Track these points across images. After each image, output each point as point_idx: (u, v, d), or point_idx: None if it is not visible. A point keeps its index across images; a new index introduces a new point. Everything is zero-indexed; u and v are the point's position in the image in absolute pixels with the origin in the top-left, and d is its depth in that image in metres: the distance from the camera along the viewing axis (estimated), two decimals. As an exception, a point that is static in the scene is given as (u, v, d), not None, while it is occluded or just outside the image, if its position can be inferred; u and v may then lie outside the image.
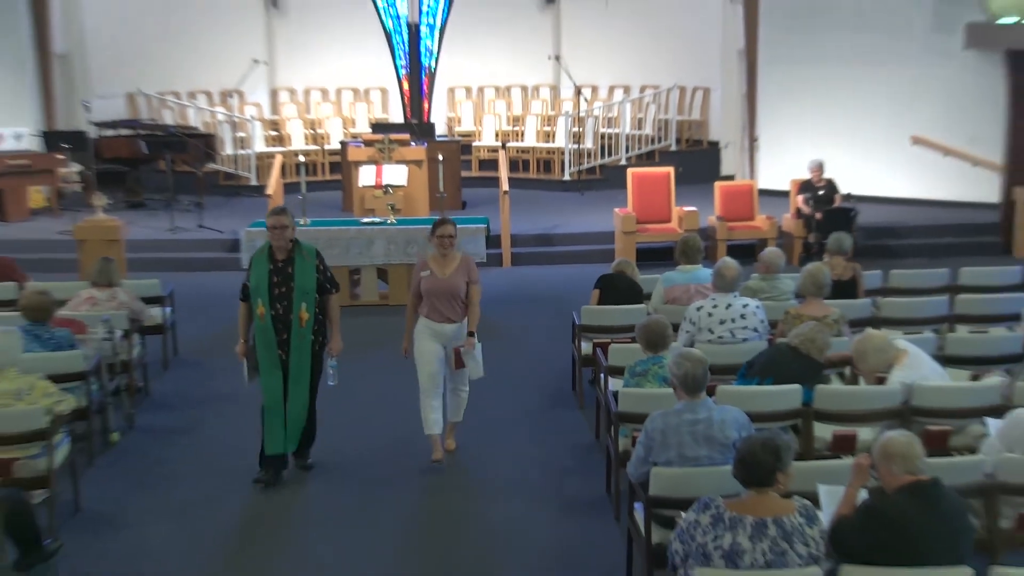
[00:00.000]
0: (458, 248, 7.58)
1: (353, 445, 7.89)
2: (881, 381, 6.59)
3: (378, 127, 16.49)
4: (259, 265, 7.09)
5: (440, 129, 18.12)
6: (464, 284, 7.40)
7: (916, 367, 6.58)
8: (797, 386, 6.42)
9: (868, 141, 15.56)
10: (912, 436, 4.59)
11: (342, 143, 16.50)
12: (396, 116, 18.82)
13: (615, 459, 6.71)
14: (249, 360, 7.20)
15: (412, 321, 7.54)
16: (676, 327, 7.43)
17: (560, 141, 17.66)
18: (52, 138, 15.67)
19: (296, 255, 7.06)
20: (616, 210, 13.96)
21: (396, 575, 6.06)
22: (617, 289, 8.90)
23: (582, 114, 17.69)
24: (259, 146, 17.67)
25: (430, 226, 7.61)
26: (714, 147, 18.27)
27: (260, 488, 7.10)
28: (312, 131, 18.84)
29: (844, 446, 6.17)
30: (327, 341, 7.27)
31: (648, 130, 17.94)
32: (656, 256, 12.98)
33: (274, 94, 19.66)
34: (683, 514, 4.62)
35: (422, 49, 17.53)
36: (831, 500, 4.78)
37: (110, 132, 16.22)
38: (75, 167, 16.09)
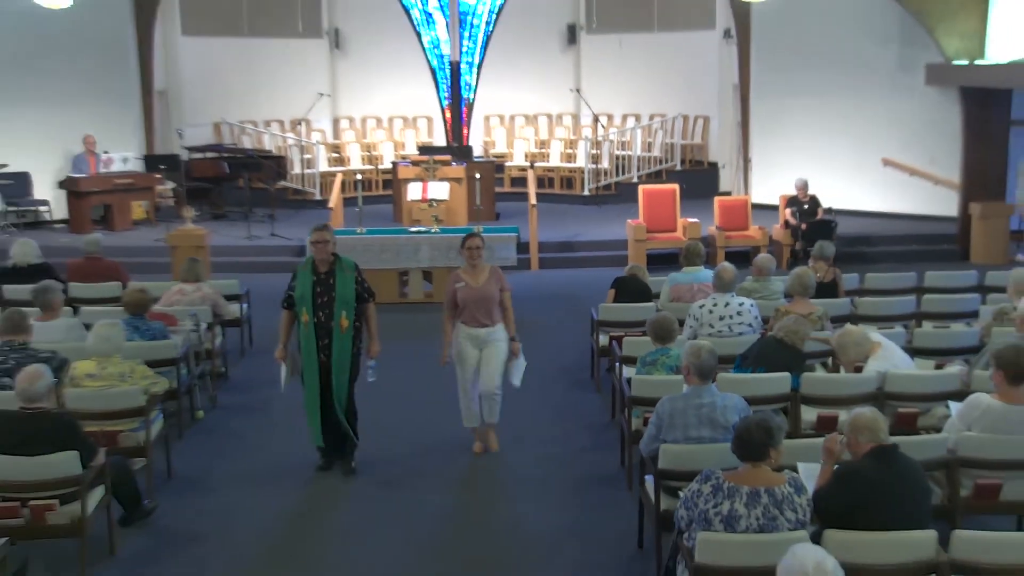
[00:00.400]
0: (486, 259, 7.25)
1: (398, 431, 7.87)
2: (859, 370, 6.52)
3: (424, 150, 16.48)
4: (303, 277, 6.73)
5: (477, 151, 18.07)
6: (497, 291, 7.04)
7: (888, 358, 6.53)
8: (786, 374, 6.37)
9: (845, 162, 15.45)
10: (876, 411, 4.60)
11: (393, 163, 16.50)
12: (439, 140, 18.83)
13: (628, 437, 6.67)
14: (288, 364, 6.85)
15: (449, 331, 7.10)
16: (681, 322, 7.39)
17: (580, 162, 17.59)
18: (151, 161, 15.77)
19: (337, 268, 6.73)
20: (629, 221, 13.90)
21: (431, 529, 6.05)
22: (629, 290, 8.87)
23: (599, 138, 17.62)
24: (322, 166, 17.70)
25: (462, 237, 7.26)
26: (713, 167, 18.15)
27: (319, 470, 6.96)
28: (368, 153, 18.86)
29: (827, 426, 6.11)
30: (364, 345, 6.94)
31: (656, 152, 17.83)
32: (663, 260, 12.93)
33: (336, 122, 19.70)
34: (688, 485, 4.59)
35: (462, 83, 17.54)
36: (809, 475, 4.76)
37: (198, 155, 16.31)
38: (169, 185, 16.21)
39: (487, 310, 7.02)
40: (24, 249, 9.55)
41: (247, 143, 17.72)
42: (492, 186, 15.79)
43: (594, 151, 17.40)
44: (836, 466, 4.62)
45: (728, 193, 16.73)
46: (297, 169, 17.45)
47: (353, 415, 6.93)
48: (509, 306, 7.15)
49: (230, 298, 9.62)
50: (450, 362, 7.06)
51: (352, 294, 6.73)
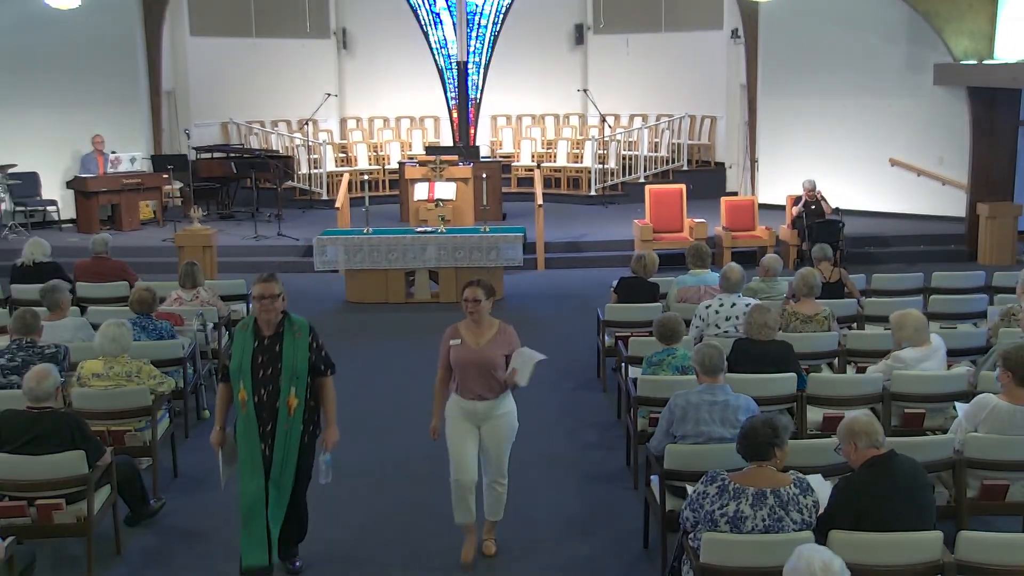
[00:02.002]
0: (492, 314, 5.65)
1: (400, 429, 7.86)
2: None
3: (431, 150, 16.48)
4: (242, 342, 5.24)
5: (484, 151, 18.07)
6: (501, 358, 5.50)
7: (928, 358, 6.49)
8: (792, 374, 6.36)
9: (852, 163, 15.40)
10: (871, 415, 4.57)
11: (400, 163, 16.51)
12: (446, 140, 18.81)
13: (634, 436, 6.66)
14: (226, 451, 5.39)
15: (442, 397, 5.64)
16: (688, 323, 7.37)
17: (587, 162, 17.57)
18: (159, 161, 15.80)
19: (285, 331, 5.24)
20: (635, 221, 13.89)
21: (433, 528, 6.00)
22: (632, 292, 8.80)
23: (606, 139, 17.60)
24: (330, 166, 17.72)
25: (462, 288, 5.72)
26: (720, 167, 18.11)
27: None
28: (375, 153, 18.86)
29: (833, 427, 6.08)
30: (319, 431, 5.38)
31: (663, 152, 17.80)
32: (670, 261, 12.86)
33: (343, 122, 19.72)
34: (692, 486, 4.58)
35: (469, 83, 17.51)
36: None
37: (206, 155, 16.34)
38: (177, 184, 16.25)
39: (488, 379, 5.51)
40: (33, 248, 9.60)
41: (254, 143, 17.75)
42: (499, 186, 15.77)
43: (601, 151, 17.38)
44: (832, 481, 4.59)
45: (735, 193, 16.70)
46: (304, 169, 17.48)
47: (301, 524, 5.48)
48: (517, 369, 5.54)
49: (236, 298, 9.64)
50: (442, 436, 5.64)
51: (304, 364, 5.22)
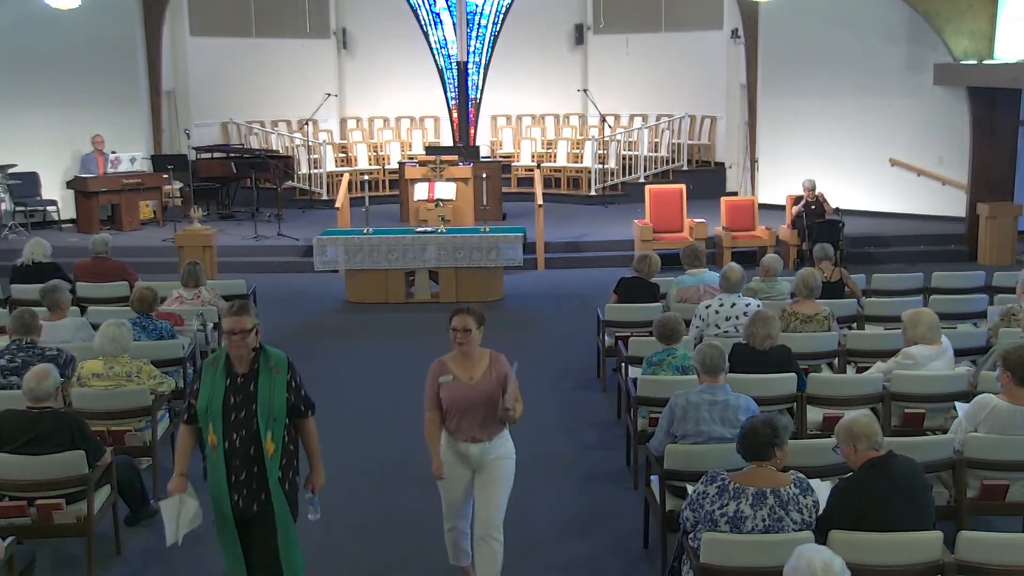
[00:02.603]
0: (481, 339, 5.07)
1: (400, 426, 7.85)
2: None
3: (431, 150, 16.49)
4: (212, 380, 4.61)
5: (484, 151, 18.07)
6: (499, 390, 4.99)
7: (937, 357, 6.49)
8: (792, 374, 6.36)
9: (852, 163, 15.40)
10: (871, 415, 4.56)
11: (400, 163, 16.51)
12: (446, 140, 18.81)
13: (634, 436, 6.66)
14: (176, 505, 4.67)
15: (436, 437, 5.09)
16: (688, 323, 7.37)
17: (587, 162, 17.57)
18: (159, 161, 15.81)
19: (261, 367, 4.63)
20: (635, 221, 13.90)
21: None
22: (632, 292, 8.80)
23: (606, 139, 17.60)
24: (330, 166, 17.72)
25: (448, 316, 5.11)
26: (720, 167, 18.11)
27: None
28: (375, 153, 18.86)
29: (833, 427, 6.09)
30: (297, 476, 4.76)
31: (663, 152, 17.80)
32: (670, 261, 12.82)
33: (343, 122, 19.72)
34: (692, 486, 4.58)
35: (469, 83, 17.51)
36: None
37: (206, 155, 16.34)
38: (177, 184, 16.25)
39: (483, 418, 5.00)
40: (33, 248, 9.60)
41: (254, 143, 17.75)
42: (499, 186, 15.78)
43: (601, 151, 17.38)
44: (830, 481, 4.59)
45: (735, 193, 16.70)
46: (304, 169, 17.48)
47: (294, 560, 4.75)
48: (517, 396, 5.11)
49: (236, 298, 9.61)
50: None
51: (282, 405, 4.61)
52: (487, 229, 11.85)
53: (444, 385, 4.99)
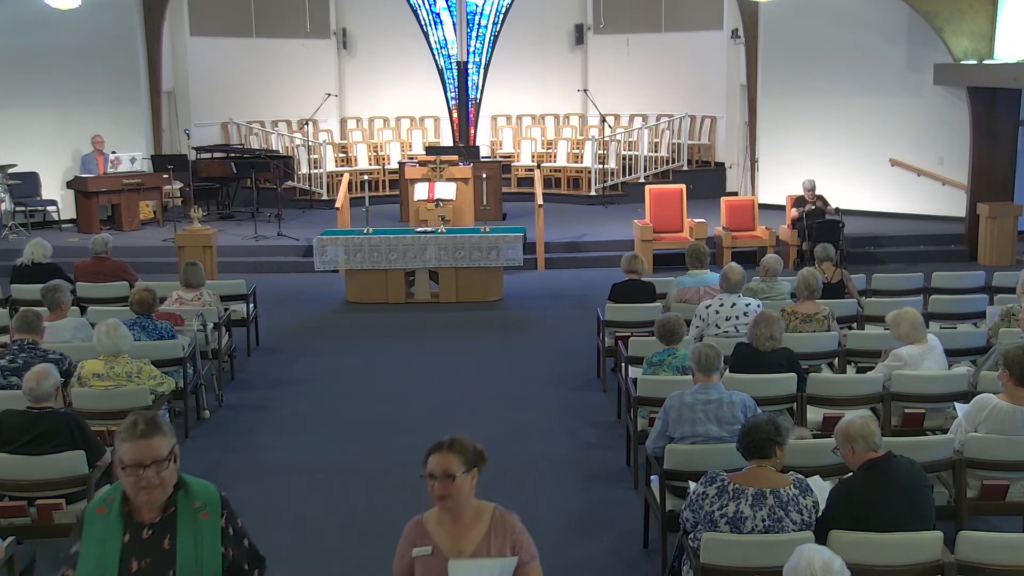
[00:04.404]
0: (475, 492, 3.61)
1: (401, 425, 7.86)
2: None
3: (431, 150, 16.49)
4: (102, 535, 3.04)
5: (484, 151, 18.07)
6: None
7: (926, 356, 6.49)
8: (792, 374, 6.36)
9: (852, 163, 15.41)
10: (869, 417, 4.56)
11: (400, 163, 16.50)
12: (447, 140, 18.82)
13: (634, 436, 6.66)
14: None
15: None
16: (688, 323, 7.37)
17: (587, 162, 17.57)
18: (159, 161, 15.80)
19: (180, 512, 3.12)
20: (636, 221, 13.89)
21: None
22: (627, 296, 8.78)
23: (606, 139, 17.60)
24: (330, 166, 17.72)
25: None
26: (720, 167, 18.11)
27: None
28: (375, 153, 18.86)
29: (833, 427, 6.09)
30: None
31: (663, 152, 17.81)
32: (670, 261, 12.91)
33: (343, 122, 19.72)
34: (693, 485, 4.58)
35: (469, 83, 17.52)
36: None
37: (206, 155, 16.34)
38: (177, 184, 16.24)
39: None
40: (33, 248, 9.60)
41: (254, 143, 17.74)
42: (499, 186, 15.77)
43: (601, 151, 17.38)
44: (830, 481, 4.58)
45: (735, 193, 16.71)
46: (304, 169, 17.48)
47: None
48: None
49: (236, 298, 9.65)
50: None
51: (217, 567, 3.14)
52: (487, 229, 11.84)
53: (419, 562, 3.43)
